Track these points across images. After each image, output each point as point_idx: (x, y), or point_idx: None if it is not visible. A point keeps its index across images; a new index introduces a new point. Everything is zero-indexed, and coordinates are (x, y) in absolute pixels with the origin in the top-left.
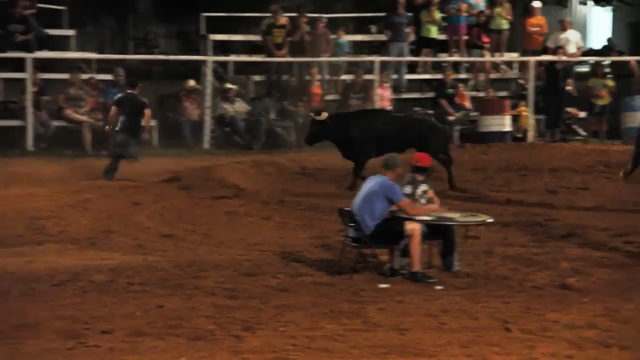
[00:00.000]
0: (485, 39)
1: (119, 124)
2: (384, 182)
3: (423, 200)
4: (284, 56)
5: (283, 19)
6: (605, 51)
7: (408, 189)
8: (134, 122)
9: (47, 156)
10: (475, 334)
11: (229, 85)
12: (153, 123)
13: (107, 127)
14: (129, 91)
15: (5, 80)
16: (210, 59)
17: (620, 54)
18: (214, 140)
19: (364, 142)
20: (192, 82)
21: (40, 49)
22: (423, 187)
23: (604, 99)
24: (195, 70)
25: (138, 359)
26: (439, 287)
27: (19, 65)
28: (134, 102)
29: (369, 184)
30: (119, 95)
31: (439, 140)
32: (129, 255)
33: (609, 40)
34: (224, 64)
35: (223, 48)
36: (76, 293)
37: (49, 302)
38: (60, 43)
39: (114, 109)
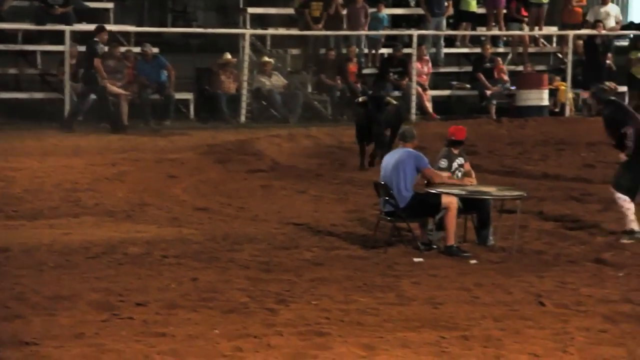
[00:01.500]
0: (525, 13)
1: None
2: (410, 152)
3: (459, 174)
4: (321, 30)
5: None
6: None
7: (444, 163)
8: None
9: (84, 129)
10: (508, 308)
11: (266, 59)
12: (189, 96)
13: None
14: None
15: (44, 52)
16: (248, 32)
17: None
18: (250, 113)
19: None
20: (227, 56)
21: (79, 21)
22: (459, 161)
23: None
24: (233, 43)
25: (172, 331)
26: (473, 262)
27: (58, 37)
28: None
29: (394, 157)
30: None
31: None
32: (164, 228)
33: None
34: (261, 37)
35: (261, 21)
36: (111, 265)
37: (84, 274)
38: (99, 15)
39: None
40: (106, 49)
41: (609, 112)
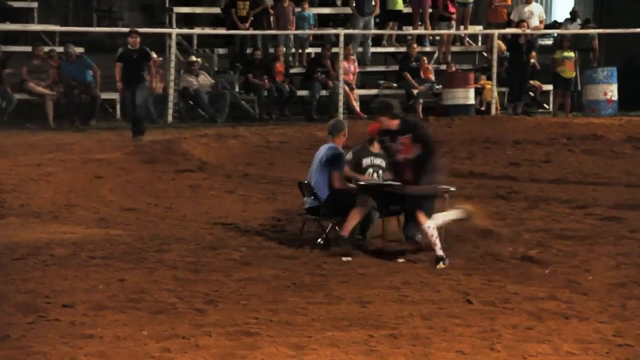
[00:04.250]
0: (452, 9)
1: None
2: (329, 149)
3: (375, 174)
4: (248, 29)
5: None
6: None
7: (349, 156)
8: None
9: (10, 129)
10: (436, 306)
11: (193, 58)
12: (115, 96)
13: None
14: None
15: None
16: (175, 31)
17: (587, 22)
18: (177, 113)
19: None
20: (153, 55)
21: (2, 20)
22: (377, 161)
23: (570, 72)
24: (159, 43)
25: (99, 332)
26: (401, 260)
27: None
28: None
29: (319, 154)
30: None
31: None
32: (91, 228)
33: (572, 11)
34: (188, 37)
35: (187, 21)
36: (37, 267)
37: (10, 276)
38: (23, 15)
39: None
40: None
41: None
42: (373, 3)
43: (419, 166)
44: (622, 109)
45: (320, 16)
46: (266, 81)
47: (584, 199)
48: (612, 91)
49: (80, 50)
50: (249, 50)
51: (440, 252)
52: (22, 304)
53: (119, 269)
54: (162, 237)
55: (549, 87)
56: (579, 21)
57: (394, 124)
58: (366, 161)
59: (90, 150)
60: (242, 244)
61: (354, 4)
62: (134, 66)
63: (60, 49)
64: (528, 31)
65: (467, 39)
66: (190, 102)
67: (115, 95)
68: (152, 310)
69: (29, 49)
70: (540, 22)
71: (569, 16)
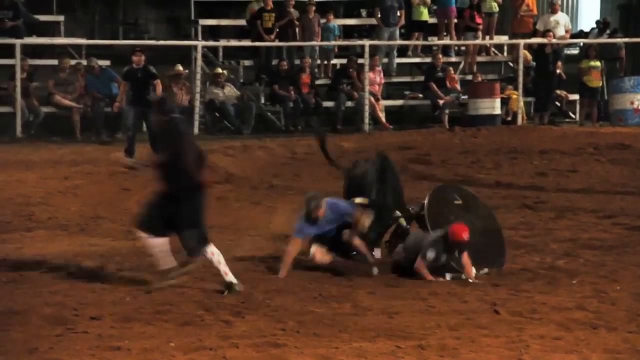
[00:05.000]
0: (479, 20)
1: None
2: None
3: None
4: (273, 40)
5: (272, 3)
6: (598, 32)
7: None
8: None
9: (37, 143)
10: (464, 316)
11: (219, 70)
12: None
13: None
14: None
15: None
16: (200, 43)
17: (614, 32)
18: (203, 125)
19: None
20: (178, 67)
21: (29, 34)
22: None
23: (596, 81)
24: (185, 55)
25: (127, 344)
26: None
27: (8, 51)
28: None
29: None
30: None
31: None
32: (118, 241)
33: (597, 21)
34: (214, 49)
35: (213, 33)
36: (65, 279)
37: (38, 289)
38: (49, 29)
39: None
40: None
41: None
42: (398, 14)
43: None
44: None
45: (345, 27)
46: (292, 92)
47: (611, 209)
48: (638, 100)
49: (106, 63)
50: (274, 62)
51: (229, 279)
52: (50, 317)
53: (146, 281)
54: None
55: (576, 96)
56: (607, 32)
57: None
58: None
59: (116, 162)
60: (269, 255)
61: (379, 15)
62: (138, 85)
63: (84, 62)
64: (554, 41)
65: (493, 49)
66: (216, 114)
67: None
68: (179, 322)
69: (55, 62)
70: (566, 31)
71: (594, 26)
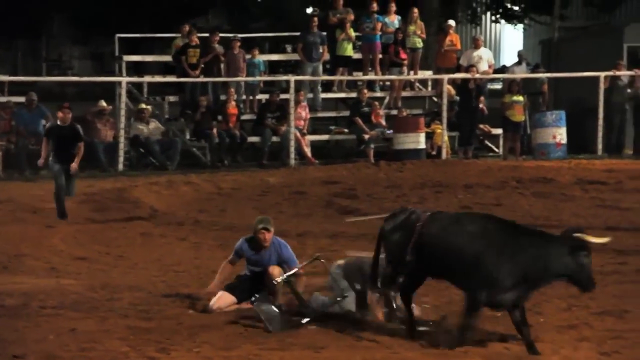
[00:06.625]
0: (404, 55)
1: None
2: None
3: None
4: (198, 76)
5: (197, 39)
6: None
7: None
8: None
9: None
10: (390, 350)
11: (143, 106)
12: None
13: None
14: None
15: None
16: (124, 79)
17: (536, 67)
18: (128, 161)
19: None
20: (102, 103)
21: None
22: None
23: (519, 115)
24: (109, 91)
25: None
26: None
27: None
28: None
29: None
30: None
31: None
32: (41, 278)
33: (519, 54)
34: (138, 85)
35: (137, 69)
36: None
37: None
38: None
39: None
40: None
41: None
42: (321, 50)
43: None
44: (571, 152)
45: (271, 62)
46: (215, 130)
47: None
48: (561, 134)
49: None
50: (199, 98)
51: None
52: None
53: (70, 318)
54: (113, 285)
55: (499, 130)
56: (524, 64)
57: None
58: None
59: (40, 199)
60: (195, 291)
61: (302, 51)
62: (63, 144)
63: (15, 99)
64: (477, 76)
65: (417, 83)
66: (141, 149)
67: None
68: (104, 359)
69: None
70: (489, 66)
71: (517, 59)
